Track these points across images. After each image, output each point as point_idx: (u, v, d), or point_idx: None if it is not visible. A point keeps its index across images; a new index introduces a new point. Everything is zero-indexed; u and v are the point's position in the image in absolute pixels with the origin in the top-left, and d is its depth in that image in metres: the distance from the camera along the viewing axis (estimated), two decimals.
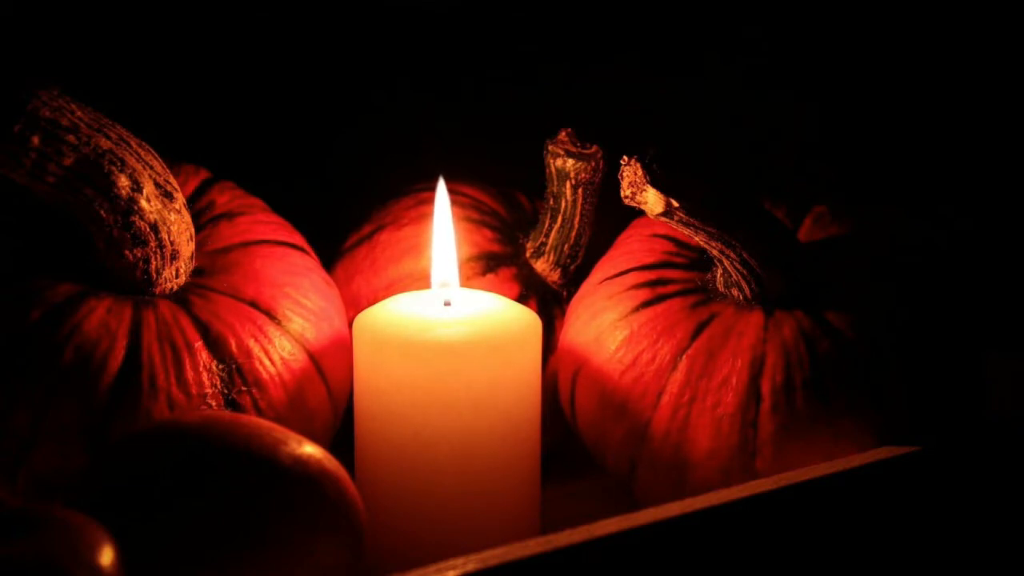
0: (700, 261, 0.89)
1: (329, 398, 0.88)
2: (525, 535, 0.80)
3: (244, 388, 0.83)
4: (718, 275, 0.87)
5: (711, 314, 0.86)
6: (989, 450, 0.87)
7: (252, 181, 0.94)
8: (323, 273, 0.92)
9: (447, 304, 0.87)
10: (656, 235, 0.92)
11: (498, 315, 0.86)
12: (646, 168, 0.82)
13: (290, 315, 0.86)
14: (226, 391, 0.83)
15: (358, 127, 1.11)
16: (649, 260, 0.90)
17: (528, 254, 0.95)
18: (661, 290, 0.88)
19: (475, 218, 0.95)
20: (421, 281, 0.92)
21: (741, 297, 0.87)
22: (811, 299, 0.86)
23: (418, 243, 0.94)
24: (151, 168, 0.83)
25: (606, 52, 1.12)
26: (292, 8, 1.07)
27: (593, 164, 0.93)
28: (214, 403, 0.82)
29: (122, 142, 0.82)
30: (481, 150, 1.05)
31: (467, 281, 0.92)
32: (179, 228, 0.85)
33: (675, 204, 0.82)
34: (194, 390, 0.81)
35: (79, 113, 0.81)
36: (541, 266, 0.95)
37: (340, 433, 0.90)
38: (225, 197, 0.91)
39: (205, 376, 0.82)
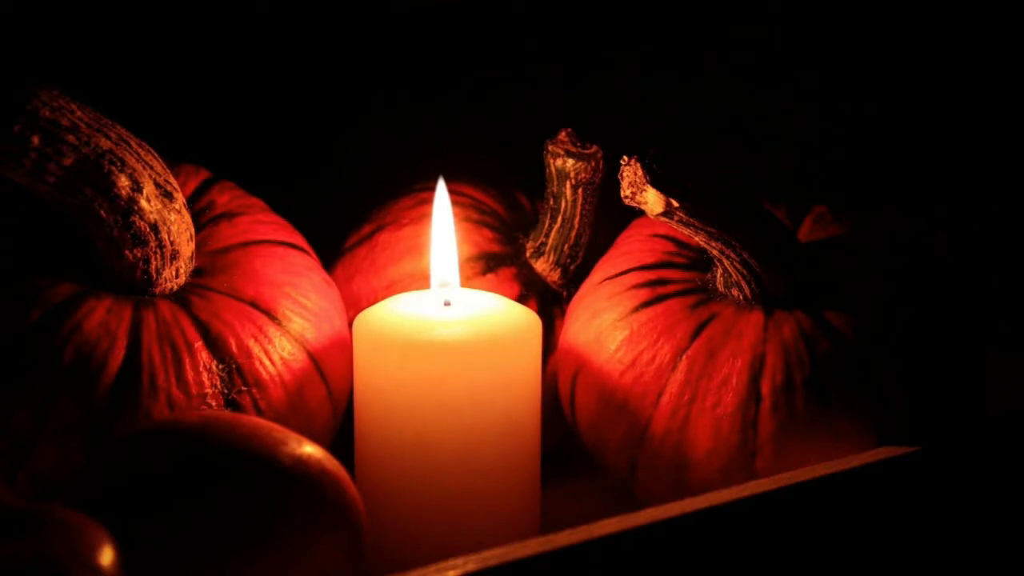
0: (700, 261, 0.89)
1: (329, 398, 0.88)
2: (525, 535, 0.80)
3: (244, 388, 0.83)
4: (718, 275, 0.87)
5: (711, 314, 0.86)
6: (989, 450, 0.87)
7: (252, 181, 0.94)
8: (323, 273, 0.92)
9: (447, 304, 0.87)
10: (656, 235, 0.92)
11: (498, 315, 0.86)
12: (646, 168, 0.82)
13: (290, 315, 0.86)
14: (226, 391, 0.83)
15: (358, 127, 1.11)
16: (649, 260, 0.90)
17: (528, 254, 0.95)
18: (661, 290, 0.88)
19: (475, 218, 0.95)
20: (421, 281, 0.92)
21: (741, 297, 0.87)
22: (811, 299, 0.86)
23: (418, 243, 0.94)
24: (151, 168, 0.83)
25: (606, 52, 1.12)
26: (292, 8, 1.07)
27: (593, 164, 0.93)
28: (214, 403, 0.82)
29: (122, 142, 0.82)
30: (481, 150, 1.05)
31: (467, 281, 0.92)
32: (179, 228, 0.85)
33: (675, 204, 0.82)
34: (194, 390, 0.81)
35: (79, 113, 0.81)
36: (541, 266, 0.95)
37: (340, 433, 0.90)
38: (225, 197, 0.91)
39: (205, 376, 0.82)
